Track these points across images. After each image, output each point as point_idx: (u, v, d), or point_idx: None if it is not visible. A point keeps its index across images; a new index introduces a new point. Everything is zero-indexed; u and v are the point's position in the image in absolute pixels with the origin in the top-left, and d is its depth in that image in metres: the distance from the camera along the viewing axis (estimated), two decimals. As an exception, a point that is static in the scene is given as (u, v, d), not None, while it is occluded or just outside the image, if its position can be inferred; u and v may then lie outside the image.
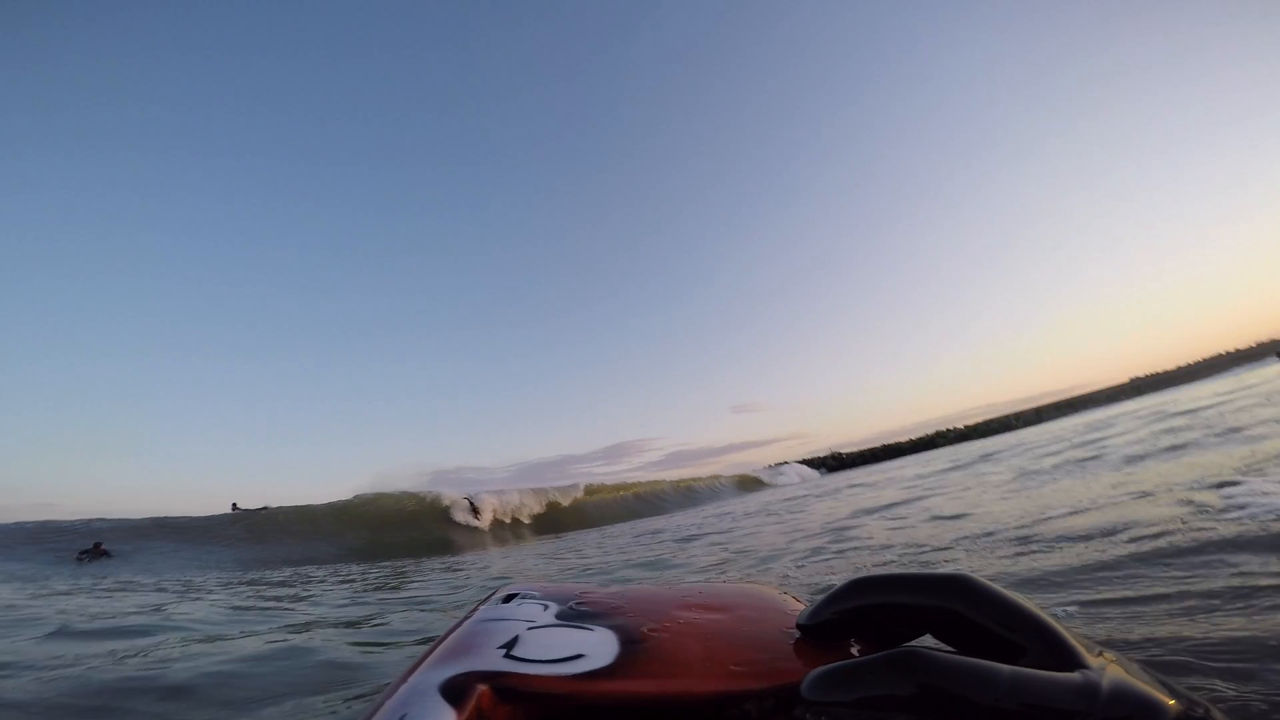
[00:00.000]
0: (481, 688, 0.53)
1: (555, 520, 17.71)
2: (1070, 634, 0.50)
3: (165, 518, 13.76)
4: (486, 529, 15.74)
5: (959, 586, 0.53)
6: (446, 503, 16.56)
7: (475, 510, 16.44)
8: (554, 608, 0.74)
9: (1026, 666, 0.45)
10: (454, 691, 0.52)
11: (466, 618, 0.74)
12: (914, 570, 0.60)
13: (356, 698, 1.36)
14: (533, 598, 0.80)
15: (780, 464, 30.94)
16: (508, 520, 16.76)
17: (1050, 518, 2.44)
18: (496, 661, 0.58)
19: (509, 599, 0.80)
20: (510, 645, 0.62)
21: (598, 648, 0.61)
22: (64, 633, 2.76)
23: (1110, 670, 0.45)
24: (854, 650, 0.60)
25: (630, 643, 0.62)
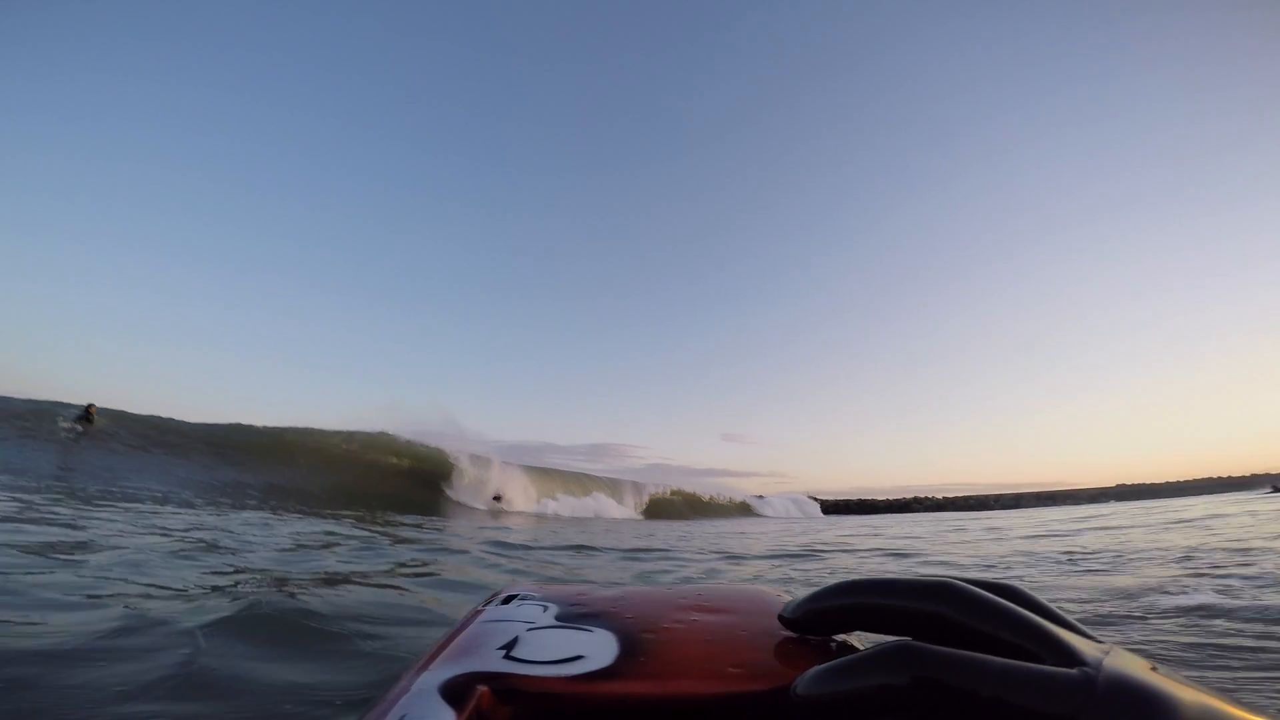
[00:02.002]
0: (481, 688, 0.53)
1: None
2: (1068, 634, 0.49)
3: (163, 418, 12.20)
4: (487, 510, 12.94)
5: (947, 592, 0.53)
6: (467, 476, 13.64)
7: (498, 498, 14.00)
8: (553, 609, 0.75)
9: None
10: (454, 692, 0.52)
11: (467, 619, 0.74)
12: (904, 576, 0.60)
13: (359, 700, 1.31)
14: (532, 599, 0.80)
15: (760, 496, 30.65)
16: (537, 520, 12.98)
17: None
18: (496, 662, 0.58)
19: (509, 600, 0.81)
20: (510, 646, 0.62)
21: (597, 649, 0.61)
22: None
23: (1110, 665, 0.44)
24: (831, 645, 0.61)
25: (629, 644, 0.62)
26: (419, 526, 6.30)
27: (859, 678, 0.46)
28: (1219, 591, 2.40)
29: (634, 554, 4.75)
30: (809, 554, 4.85)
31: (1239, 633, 1.79)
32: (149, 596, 1.94)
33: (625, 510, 18.93)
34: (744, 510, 26.51)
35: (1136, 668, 0.46)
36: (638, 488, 20.99)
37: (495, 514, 12.23)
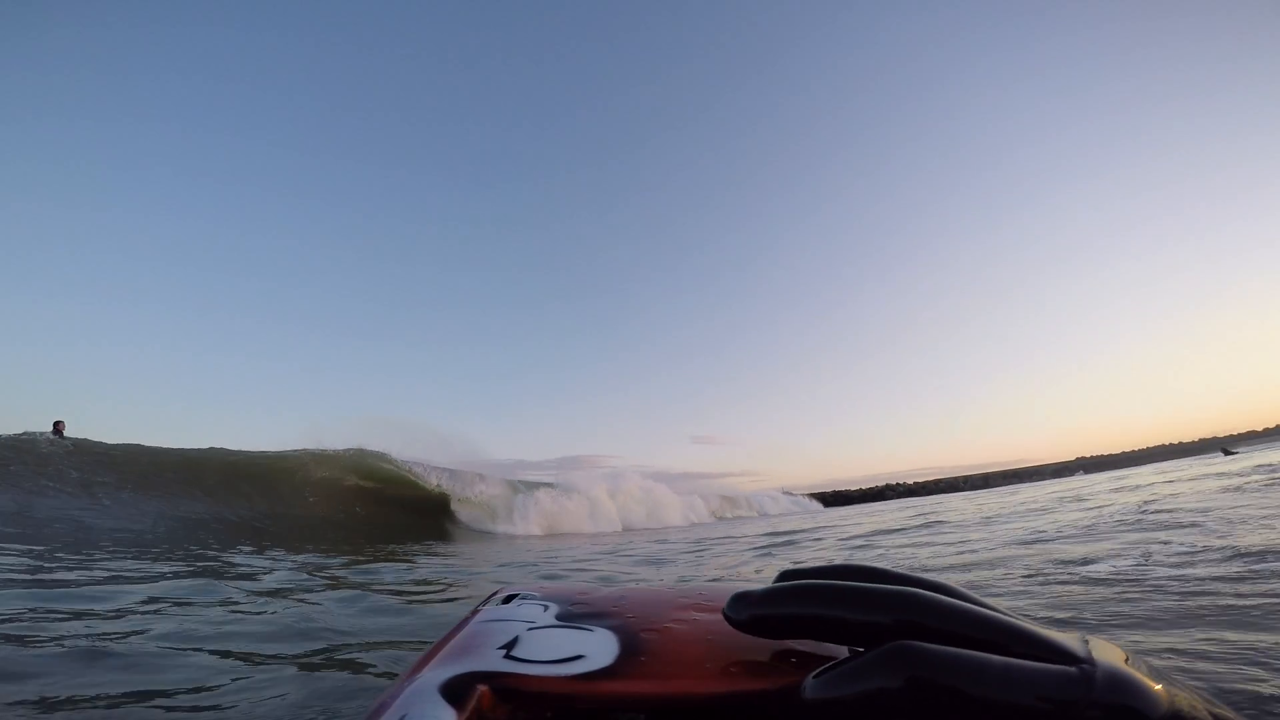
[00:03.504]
0: (482, 688, 0.53)
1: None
2: (1050, 631, 0.50)
3: (135, 445, 10.50)
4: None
5: (916, 602, 0.52)
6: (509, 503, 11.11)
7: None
8: (554, 608, 0.75)
9: None
10: (454, 692, 0.52)
11: (467, 619, 0.74)
12: (864, 566, 0.60)
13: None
14: (533, 598, 0.80)
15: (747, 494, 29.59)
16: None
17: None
18: (496, 662, 0.58)
19: (509, 599, 0.81)
20: (510, 646, 0.62)
21: (597, 648, 0.61)
22: None
23: (1103, 660, 0.45)
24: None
25: (630, 643, 0.62)
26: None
27: (860, 681, 0.47)
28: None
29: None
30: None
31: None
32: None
33: (696, 515, 16.21)
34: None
35: (1129, 662, 0.48)
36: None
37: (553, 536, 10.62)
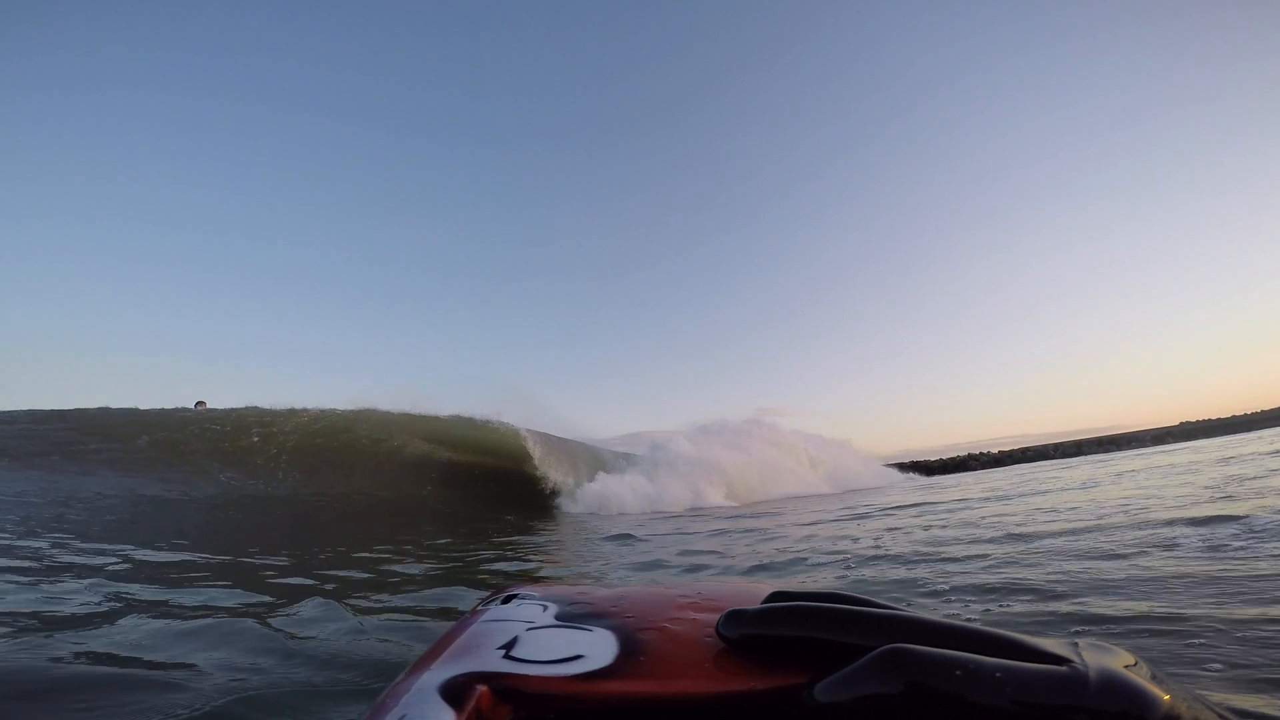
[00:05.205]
0: (481, 688, 0.54)
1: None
2: (1041, 639, 0.50)
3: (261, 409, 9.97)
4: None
5: (903, 625, 0.52)
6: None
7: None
8: (553, 608, 0.75)
9: None
10: (453, 692, 0.53)
11: (466, 619, 0.75)
12: (852, 595, 0.59)
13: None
14: (532, 598, 0.80)
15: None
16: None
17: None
18: (496, 662, 0.59)
19: (508, 600, 0.81)
20: (510, 646, 0.63)
21: (597, 648, 0.61)
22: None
23: (1096, 664, 0.45)
24: None
25: (629, 643, 0.62)
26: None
27: (859, 686, 0.47)
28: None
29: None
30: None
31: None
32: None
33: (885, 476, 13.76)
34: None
35: (1122, 662, 0.47)
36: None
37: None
